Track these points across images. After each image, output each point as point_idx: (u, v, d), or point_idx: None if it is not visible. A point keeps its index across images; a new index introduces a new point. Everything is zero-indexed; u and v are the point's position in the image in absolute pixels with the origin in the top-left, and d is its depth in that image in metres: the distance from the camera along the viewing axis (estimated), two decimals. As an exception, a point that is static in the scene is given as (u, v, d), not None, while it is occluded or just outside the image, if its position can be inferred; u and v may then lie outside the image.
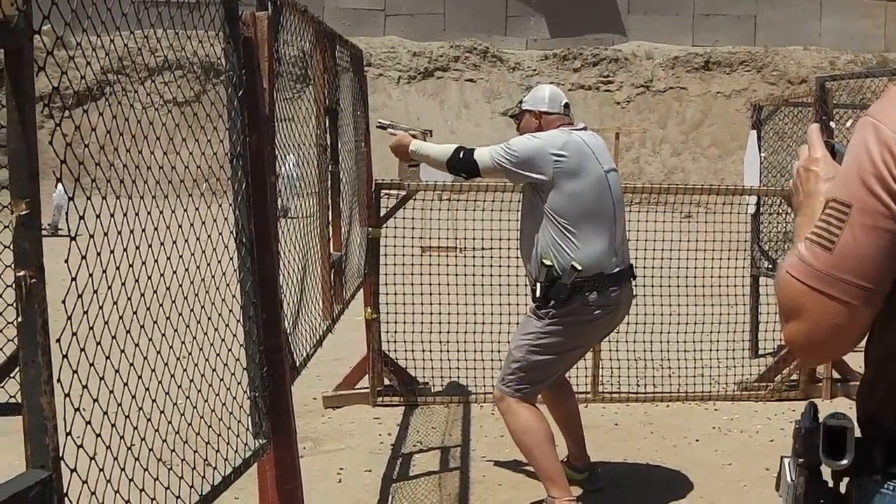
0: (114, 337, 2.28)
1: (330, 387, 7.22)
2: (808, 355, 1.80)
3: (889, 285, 1.64)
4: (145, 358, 2.47)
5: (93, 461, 2.12)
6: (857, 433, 1.77)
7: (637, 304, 7.40)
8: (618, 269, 4.96)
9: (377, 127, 5.92)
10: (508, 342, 5.41)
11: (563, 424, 5.55)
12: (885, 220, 1.60)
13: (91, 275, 2.09)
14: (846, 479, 1.80)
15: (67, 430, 1.98)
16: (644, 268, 7.20)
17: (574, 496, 5.01)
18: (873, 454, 1.74)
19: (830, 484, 1.84)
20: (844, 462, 1.75)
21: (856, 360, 8.06)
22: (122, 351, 2.33)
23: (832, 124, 7.59)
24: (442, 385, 7.40)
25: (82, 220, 2.07)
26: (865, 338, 1.74)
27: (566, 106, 5.25)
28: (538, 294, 4.94)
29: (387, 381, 7.19)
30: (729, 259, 7.87)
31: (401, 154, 5.45)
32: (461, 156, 5.16)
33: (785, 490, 1.90)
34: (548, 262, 4.87)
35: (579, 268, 4.81)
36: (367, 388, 7.10)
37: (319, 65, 5.10)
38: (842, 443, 1.76)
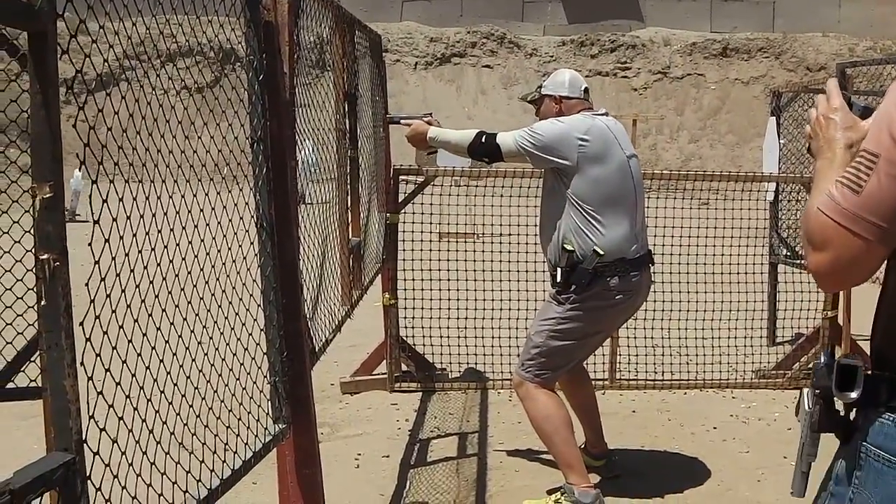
0: (136, 321, 2.28)
1: (347, 372, 7.23)
2: (828, 282, 2.04)
3: None
4: (167, 342, 2.47)
5: (115, 445, 2.12)
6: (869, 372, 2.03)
7: (654, 292, 7.38)
8: (638, 254, 4.98)
9: (388, 122, 6.02)
10: (527, 328, 5.44)
11: (581, 412, 5.54)
12: None
13: (114, 258, 2.10)
14: (855, 410, 2.09)
15: (91, 414, 1.98)
16: (662, 255, 7.18)
17: (592, 483, 5.02)
18: (880, 390, 1.99)
19: (842, 413, 2.13)
20: (853, 395, 2.03)
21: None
22: (145, 335, 2.33)
23: (859, 101, 7.54)
24: (459, 371, 7.41)
25: (105, 204, 2.08)
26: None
27: (586, 91, 5.23)
28: (559, 279, 4.93)
29: (404, 367, 7.20)
30: (747, 246, 7.84)
31: (418, 143, 5.41)
32: (483, 140, 5.10)
33: (803, 417, 2.23)
34: (569, 247, 4.87)
35: (601, 252, 4.82)
36: (385, 373, 7.11)
37: (339, 50, 5.09)
38: (853, 378, 2.03)
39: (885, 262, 1.97)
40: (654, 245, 6.46)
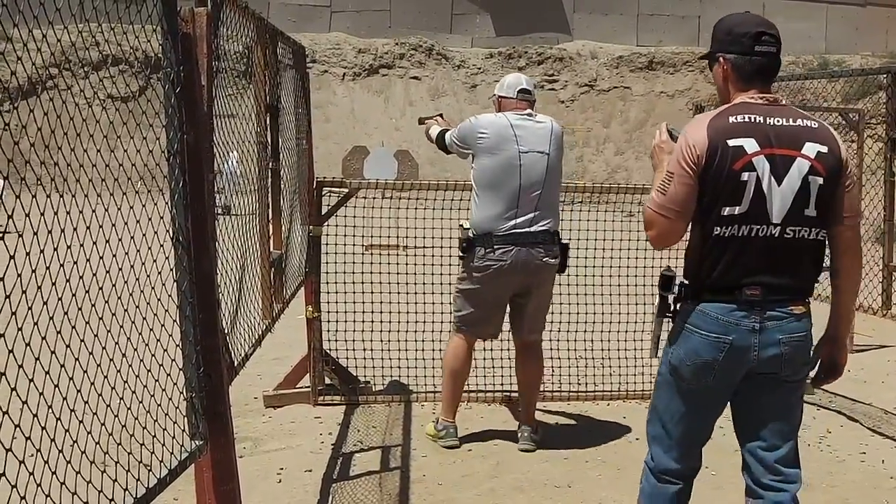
0: (44, 338, 2.24)
1: (271, 386, 7.17)
2: (657, 245, 3.74)
3: (691, 211, 3.56)
4: (76, 359, 2.43)
5: (22, 465, 2.08)
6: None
7: (578, 304, 7.45)
8: (508, 232, 5.87)
9: (419, 122, 7.11)
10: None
11: (520, 387, 6.44)
12: (688, 178, 3.51)
13: (19, 274, 2.06)
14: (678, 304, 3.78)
15: (-5, 434, 1.94)
16: (586, 266, 7.23)
17: (453, 421, 6.23)
18: (685, 291, 3.74)
19: (671, 304, 3.81)
20: (669, 294, 3.80)
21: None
22: (53, 352, 2.29)
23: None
24: (383, 384, 7.39)
25: (27, 218, 2.04)
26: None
27: (521, 91, 6.15)
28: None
29: (328, 381, 7.17)
30: (671, 259, 7.89)
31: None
32: (442, 137, 6.36)
33: (653, 308, 3.91)
34: (465, 225, 6.04)
35: (467, 227, 6.01)
36: (308, 387, 7.06)
37: (260, 61, 5.06)
38: (671, 283, 3.78)
39: (690, 227, 3.64)
40: (579, 256, 6.68)
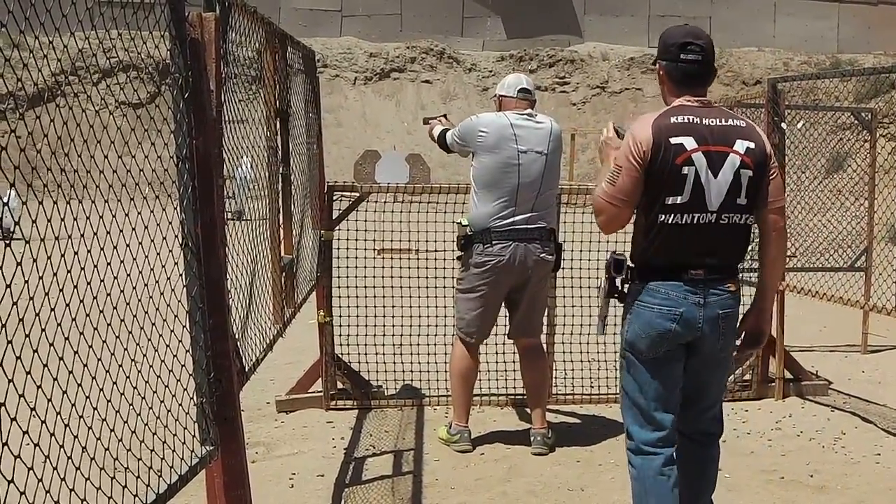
0: (52, 344, 2.23)
1: (283, 391, 7.17)
2: (606, 230, 4.20)
3: (637, 200, 4.02)
4: (85, 365, 2.42)
5: (31, 472, 2.07)
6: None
7: (591, 306, 7.41)
8: (505, 228, 5.97)
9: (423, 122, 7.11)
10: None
11: (526, 390, 6.52)
12: (634, 171, 3.96)
13: (27, 281, 2.05)
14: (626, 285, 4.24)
15: (4, 441, 1.94)
16: (598, 269, 7.20)
17: (466, 425, 6.28)
18: (633, 273, 4.18)
19: (619, 286, 4.26)
20: (619, 276, 4.25)
21: (806, 361, 8.12)
22: (61, 358, 2.29)
23: (784, 125, 7.62)
24: (395, 388, 7.38)
25: (34, 224, 2.04)
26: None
27: (522, 90, 6.24)
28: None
29: (340, 385, 7.16)
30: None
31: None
32: (443, 136, 6.48)
33: (600, 289, 4.39)
34: (464, 222, 6.16)
35: (465, 224, 6.13)
36: (321, 391, 7.06)
37: (270, 66, 5.05)
38: (622, 266, 4.22)
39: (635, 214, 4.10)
40: (590, 259, 6.75)
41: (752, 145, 4.04)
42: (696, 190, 3.96)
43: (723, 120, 4.07)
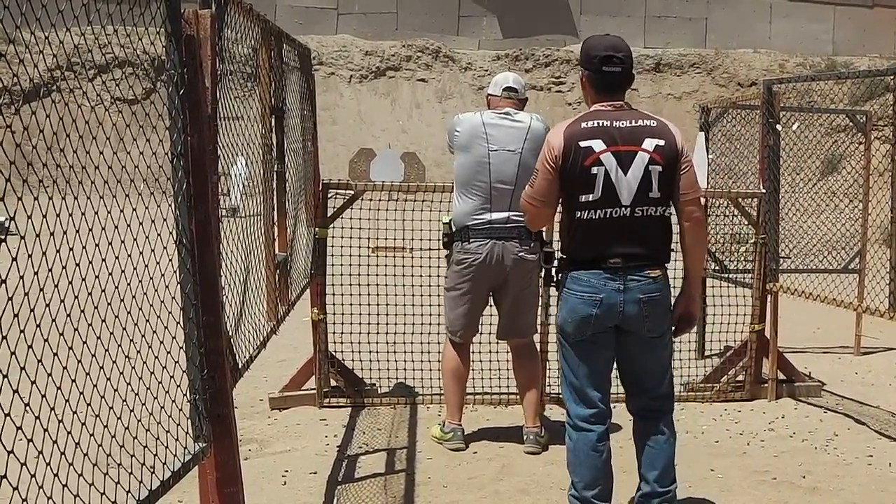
0: (46, 340, 2.23)
1: (276, 388, 7.17)
2: (532, 227, 5.13)
3: (555, 200, 4.55)
4: (79, 361, 2.42)
5: (24, 467, 2.07)
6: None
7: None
8: (482, 226, 6.04)
9: None
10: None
11: (519, 389, 6.50)
12: (549, 174, 4.46)
13: (21, 276, 2.05)
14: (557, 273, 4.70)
15: (-4, 437, 1.94)
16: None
17: (459, 423, 6.29)
18: (562, 264, 4.61)
19: (553, 276, 4.76)
20: (551, 265, 4.88)
21: (801, 362, 8.13)
22: (56, 354, 2.29)
23: (779, 127, 7.63)
24: (389, 386, 7.38)
25: (29, 220, 2.04)
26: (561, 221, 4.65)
27: (506, 89, 6.26)
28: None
29: (333, 383, 7.16)
30: (676, 261, 7.89)
31: None
32: None
33: (540, 279, 5.60)
34: (445, 220, 6.26)
35: (446, 221, 6.22)
36: (314, 389, 7.05)
37: (265, 63, 5.05)
38: (551, 257, 4.98)
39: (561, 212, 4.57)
40: None
41: (661, 143, 4.43)
42: (606, 187, 4.38)
43: (633, 121, 4.46)
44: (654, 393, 4.73)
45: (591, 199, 4.38)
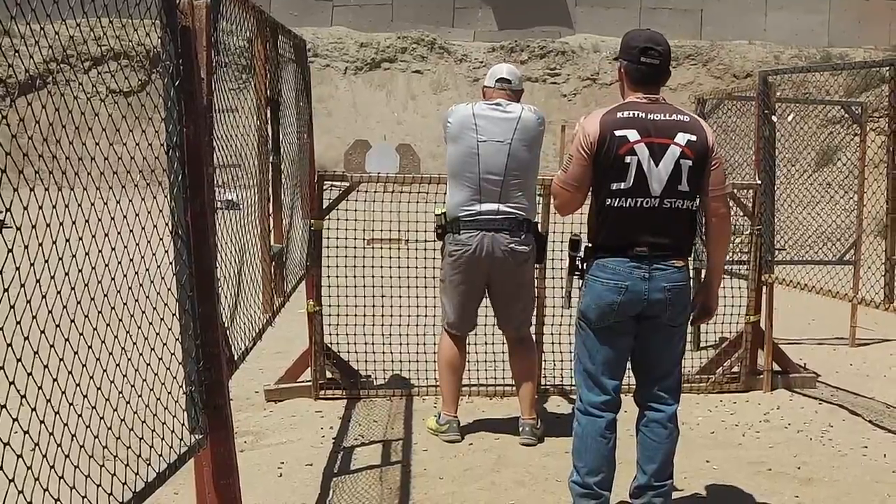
0: (42, 331, 2.23)
1: (272, 380, 7.17)
2: (562, 212, 4.75)
3: (588, 186, 4.57)
4: (75, 353, 2.42)
5: (20, 459, 2.07)
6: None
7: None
8: (472, 217, 6.03)
9: None
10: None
11: (515, 380, 6.46)
12: (584, 160, 4.51)
13: (18, 268, 2.05)
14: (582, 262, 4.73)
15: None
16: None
17: (455, 415, 6.28)
18: (589, 251, 4.63)
19: (578, 264, 4.75)
20: (578, 254, 4.76)
21: (796, 353, 8.14)
22: (52, 346, 2.29)
23: (774, 118, 7.63)
24: (384, 378, 7.38)
25: (26, 212, 2.03)
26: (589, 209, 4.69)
27: (500, 80, 6.28)
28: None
29: (329, 375, 7.16)
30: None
31: None
32: None
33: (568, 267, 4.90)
34: (437, 211, 6.26)
35: (438, 213, 6.22)
36: (310, 381, 7.05)
37: (260, 55, 5.04)
38: (578, 245, 4.75)
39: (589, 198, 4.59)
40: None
41: (693, 138, 4.51)
42: (638, 177, 4.46)
43: (667, 115, 4.55)
44: (664, 384, 4.77)
45: (622, 187, 4.47)
